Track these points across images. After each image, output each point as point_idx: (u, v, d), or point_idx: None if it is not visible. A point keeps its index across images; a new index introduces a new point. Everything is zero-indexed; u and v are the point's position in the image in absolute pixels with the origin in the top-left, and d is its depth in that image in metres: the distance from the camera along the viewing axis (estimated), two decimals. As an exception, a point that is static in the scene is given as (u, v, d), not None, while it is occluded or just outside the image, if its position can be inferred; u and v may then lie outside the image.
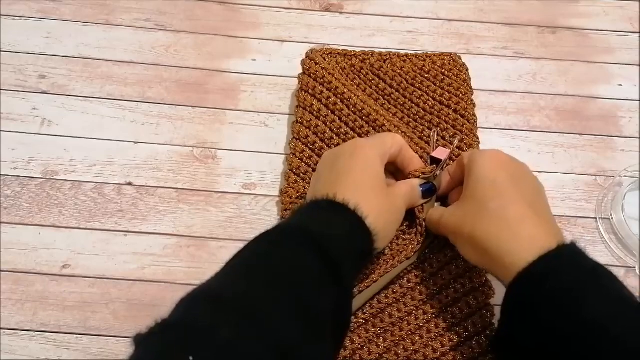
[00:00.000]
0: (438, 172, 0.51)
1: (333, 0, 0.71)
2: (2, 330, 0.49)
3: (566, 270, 0.38)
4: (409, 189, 0.49)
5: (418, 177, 0.50)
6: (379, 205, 0.45)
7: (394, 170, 0.52)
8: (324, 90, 0.57)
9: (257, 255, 0.40)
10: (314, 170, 0.52)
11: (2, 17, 0.67)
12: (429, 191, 0.50)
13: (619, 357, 0.34)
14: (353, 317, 0.48)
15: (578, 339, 0.36)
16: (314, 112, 0.57)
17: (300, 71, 0.59)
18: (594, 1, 0.72)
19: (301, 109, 0.57)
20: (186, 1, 0.69)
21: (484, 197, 0.44)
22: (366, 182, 0.45)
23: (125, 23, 0.67)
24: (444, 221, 0.47)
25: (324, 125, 0.57)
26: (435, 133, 0.56)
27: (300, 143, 0.56)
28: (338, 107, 0.57)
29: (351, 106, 0.56)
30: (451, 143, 0.55)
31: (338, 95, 0.57)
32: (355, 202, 0.43)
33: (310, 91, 0.57)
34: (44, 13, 0.67)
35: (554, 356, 0.37)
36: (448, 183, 0.52)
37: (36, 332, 0.49)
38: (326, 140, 0.56)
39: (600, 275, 0.39)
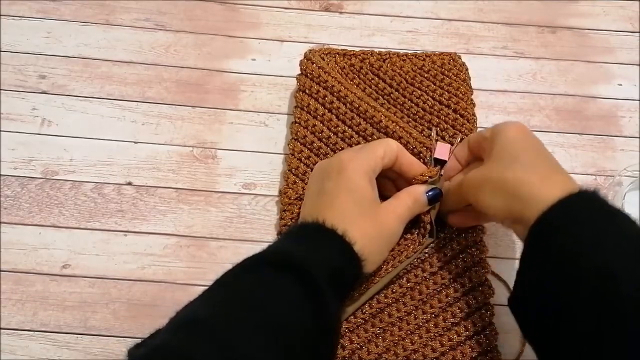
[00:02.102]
0: (442, 172, 0.51)
1: (333, 0, 0.71)
2: (2, 330, 0.49)
3: (587, 212, 0.39)
4: (411, 202, 0.48)
5: (425, 182, 0.49)
6: (368, 229, 0.44)
7: (395, 177, 0.51)
8: (321, 89, 0.57)
9: (239, 284, 0.39)
10: (312, 170, 0.52)
11: (2, 17, 0.67)
12: (436, 196, 0.49)
13: (620, 303, 0.34)
14: (352, 316, 0.48)
15: (588, 284, 0.36)
16: (312, 112, 0.57)
17: (299, 72, 0.59)
18: (594, 1, 0.72)
19: (299, 109, 0.57)
20: (186, 1, 0.69)
21: (515, 151, 0.44)
22: (353, 206, 0.44)
23: (125, 23, 0.67)
24: (468, 178, 0.46)
25: (321, 124, 0.56)
26: (435, 132, 0.56)
27: (298, 143, 0.56)
28: (335, 105, 0.57)
29: (348, 104, 0.56)
30: (452, 144, 0.55)
31: (335, 94, 0.57)
32: (343, 227, 0.42)
33: (307, 91, 0.57)
34: (44, 13, 0.67)
35: (566, 300, 0.37)
36: (454, 166, 0.51)
37: (36, 332, 0.49)
38: (324, 139, 0.56)
39: (620, 219, 0.39)
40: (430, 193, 0.49)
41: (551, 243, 0.39)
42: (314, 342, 0.38)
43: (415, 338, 0.47)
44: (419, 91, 0.60)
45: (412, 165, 0.50)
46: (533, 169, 0.42)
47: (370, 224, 0.44)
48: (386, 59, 0.62)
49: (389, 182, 0.51)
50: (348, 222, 0.43)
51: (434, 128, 0.57)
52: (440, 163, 0.52)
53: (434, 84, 0.60)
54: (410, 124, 0.58)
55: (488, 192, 0.44)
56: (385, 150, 0.47)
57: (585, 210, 0.39)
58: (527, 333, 0.41)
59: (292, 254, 0.41)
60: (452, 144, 0.54)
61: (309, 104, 0.57)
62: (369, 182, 0.46)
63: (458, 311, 0.48)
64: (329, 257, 0.41)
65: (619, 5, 0.72)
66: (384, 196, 0.49)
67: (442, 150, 0.52)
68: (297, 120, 0.57)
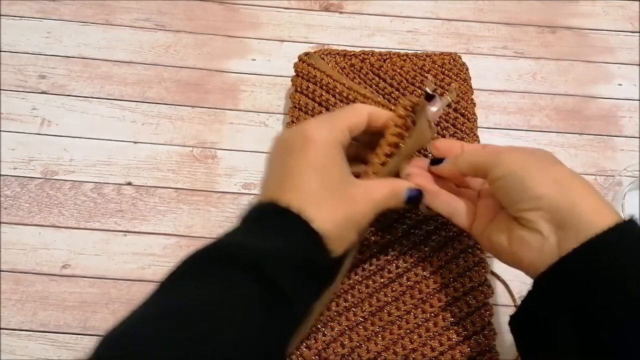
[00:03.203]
0: (436, 109, 0.44)
1: (333, 0, 0.71)
2: (2, 330, 0.49)
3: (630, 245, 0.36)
4: (389, 193, 0.42)
5: (406, 111, 0.43)
6: (338, 212, 0.38)
7: (370, 139, 0.45)
8: (317, 88, 0.57)
9: (182, 290, 0.34)
10: None
11: (2, 17, 0.67)
12: (417, 198, 0.44)
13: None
14: (352, 314, 0.48)
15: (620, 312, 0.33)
16: (309, 111, 0.57)
17: (294, 73, 0.59)
18: (594, 1, 0.72)
19: (295, 109, 0.57)
20: (186, 1, 0.69)
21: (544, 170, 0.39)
22: (320, 186, 0.38)
23: (125, 23, 0.67)
24: (507, 151, 0.41)
25: None
26: (432, 82, 0.48)
27: None
28: (327, 99, 0.56)
29: (338, 95, 0.56)
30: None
31: (325, 87, 0.57)
32: (308, 212, 0.36)
33: (302, 91, 0.58)
34: (44, 13, 0.67)
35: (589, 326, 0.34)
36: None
37: (36, 332, 0.49)
38: None
39: None
40: (413, 192, 0.43)
41: (604, 265, 0.35)
42: (267, 345, 0.34)
43: (415, 337, 0.47)
44: (419, 90, 0.60)
45: (388, 122, 0.43)
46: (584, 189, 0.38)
47: (341, 207, 0.38)
48: (386, 59, 0.62)
49: (367, 150, 0.45)
50: (314, 205, 0.37)
51: (429, 76, 0.53)
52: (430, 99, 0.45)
53: (435, 84, 0.60)
54: None
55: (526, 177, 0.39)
56: (353, 116, 0.42)
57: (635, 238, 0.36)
58: (532, 354, 0.39)
59: (246, 246, 0.35)
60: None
61: (307, 103, 0.57)
62: (338, 157, 0.40)
63: (457, 311, 0.48)
64: (292, 248, 0.36)
65: (619, 5, 0.72)
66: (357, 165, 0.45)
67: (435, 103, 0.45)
68: (293, 120, 0.57)
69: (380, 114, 0.43)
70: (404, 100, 0.44)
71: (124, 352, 0.29)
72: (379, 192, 0.41)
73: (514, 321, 0.40)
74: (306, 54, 0.60)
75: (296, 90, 0.58)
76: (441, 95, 0.46)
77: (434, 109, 0.44)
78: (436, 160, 0.45)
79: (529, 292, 0.38)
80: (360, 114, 0.42)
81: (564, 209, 0.37)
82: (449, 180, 0.46)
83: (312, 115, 0.56)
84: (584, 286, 0.35)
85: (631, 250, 0.35)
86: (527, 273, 0.39)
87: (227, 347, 0.31)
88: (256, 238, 0.36)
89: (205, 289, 0.33)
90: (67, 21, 0.67)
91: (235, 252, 0.34)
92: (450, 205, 0.44)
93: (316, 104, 0.57)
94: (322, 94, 0.57)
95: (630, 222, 0.36)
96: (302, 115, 0.57)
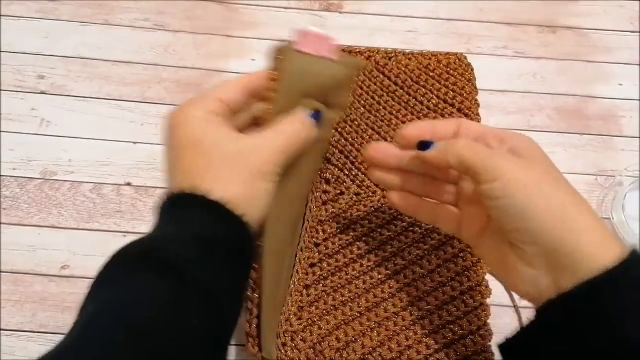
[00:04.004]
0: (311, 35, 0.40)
1: (332, 0, 0.70)
2: (1, 331, 0.49)
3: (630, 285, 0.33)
4: (292, 127, 0.39)
5: (275, 58, 0.40)
6: (234, 178, 0.36)
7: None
8: None
9: (99, 299, 0.33)
10: None
11: (0, 17, 0.66)
12: (318, 114, 0.41)
13: None
14: (348, 308, 0.48)
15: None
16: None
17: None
18: (594, 0, 0.72)
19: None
20: (185, 1, 0.69)
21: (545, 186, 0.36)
22: (204, 160, 0.36)
23: (124, 23, 0.67)
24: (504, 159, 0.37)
25: None
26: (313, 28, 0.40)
27: None
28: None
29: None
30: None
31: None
32: (190, 184, 0.35)
33: None
34: (43, 13, 0.67)
35: None
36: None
37: (35, 333, 0.49)
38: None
39: None
40: (313, 113, 0.40)
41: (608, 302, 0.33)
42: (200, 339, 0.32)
43: (410, 334, 0.47)
44: (423, 89, 0.60)
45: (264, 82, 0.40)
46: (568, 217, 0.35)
47: (235, 167, 0.36)
48: (392, 56, 0.62)
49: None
50: (206, 178, 0.35)
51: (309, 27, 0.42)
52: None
53: (439, 83, 0.60)
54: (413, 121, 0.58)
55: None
56: (223, 87, 0.40)
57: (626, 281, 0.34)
58: None
59: (152, 241, 0.34)
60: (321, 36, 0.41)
61: None
62: (212, 126, 0.37)
63: (454, 309, 0.48)
64: (198, 231, 0.34)
65: (618, 5, 0.71)
66: None
67: (313, 40, 0.40)
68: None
69: (255, 75, 0.41)
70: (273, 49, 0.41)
71: None
72: (280, 132, 0.38)
73: (506, 348, 0.38)
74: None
75: None
76: None
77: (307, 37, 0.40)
78: (424, 144, 0.40)
79: (523, 328, 0.37)
80: (230, 84, 0.40)
81: (565, 245, 0.34)
82: (430, 166, 0.41)
83: None
84: (581, 326, 0.33)
85: (633, 290, 0.33)
86: (522, 298, 0.38)
87: (162, 347, 0.30)
88: (166, 232, 0.35)
89: (126, 294, 0.32)
90: (66, 21, 0.67)
91: (147, 255, 0.33)
92: (433, 213, 0.43)
93: None
94: None
95: (633, 257, 0.33)
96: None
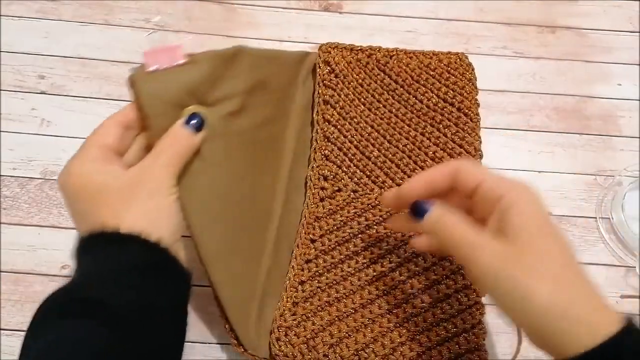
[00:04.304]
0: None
1: (332, 0, 0.70)
2: (1, 331, 0.49)
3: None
4: (170, 140, 0.40)
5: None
6: (122, 201, 0.37)
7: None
8: (339, 81, 0.60)
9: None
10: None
11: (0, 17, 0.66)
12: (195, 117, 0.41)
13: None
14: (342, 305, 0.48)
15: None
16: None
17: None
18: (594, 1, 0.72)
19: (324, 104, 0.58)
20: (185, 1, 0.69)
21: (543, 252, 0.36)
22: (98, 200, 0.38)
23: (124, 23, 0.67)
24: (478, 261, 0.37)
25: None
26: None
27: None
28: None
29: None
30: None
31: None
32: (111, 225, 0.36)
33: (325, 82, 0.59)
34: (43, 13, 0.67)
35: None
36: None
37: (35, 333, 0.49)
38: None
39: None
40: (192, 121, 0.41)
41: None
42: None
43: (404, 331, 0.47)
44: (423, 88, 0.60)
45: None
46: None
47: (134, 204, 0.37)
48: (393, 55, 0.62)
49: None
50: (111, 218, 0.36)
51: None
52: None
53: (439, 82, 0.60)
54: (413, 120, 0.58)
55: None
56: (99, 131, 0.40)
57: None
58: None
59: (77, 285, 0.36)
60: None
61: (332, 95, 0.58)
62: (97, 170, 0.39)
63: (448, 307, 0.48)
64: (121, 267, 0.36)
65: (618, 5, 0.71)
66: None
67: (163, 55, 0.41)
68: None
69: (127, 108, 0.41)
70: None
71: None
72: (158, 152, 0.40)
73: None
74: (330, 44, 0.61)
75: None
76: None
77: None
78: (418, 209, 0.41)
79: None
80: (106, 123, 0.41)
81: (555, 334, 0.34)
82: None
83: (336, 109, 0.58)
84: None
85: None
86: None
87: None
88: (88, 272, 0.36)
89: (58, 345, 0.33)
90: (66, 21, 0.67)
91: (73, 299, 0.34)
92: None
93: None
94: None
95: (626, 333, 0.33)
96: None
